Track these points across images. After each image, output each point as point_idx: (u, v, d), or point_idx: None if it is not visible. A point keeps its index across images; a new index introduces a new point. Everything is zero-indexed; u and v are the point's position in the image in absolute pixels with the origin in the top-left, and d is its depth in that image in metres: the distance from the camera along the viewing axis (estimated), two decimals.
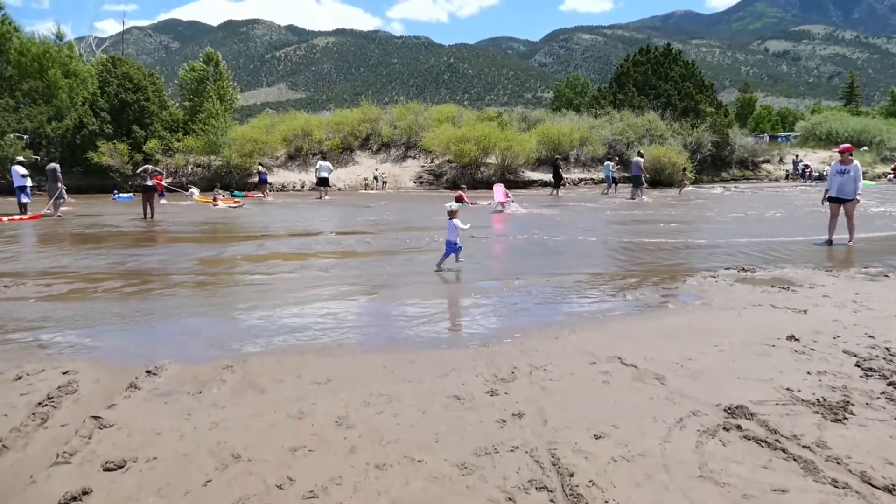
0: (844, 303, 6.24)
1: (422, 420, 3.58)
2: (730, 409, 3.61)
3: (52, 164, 19.41)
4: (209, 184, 28.68)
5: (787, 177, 39.87)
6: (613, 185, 27.47)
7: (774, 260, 9.20)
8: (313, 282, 7.91)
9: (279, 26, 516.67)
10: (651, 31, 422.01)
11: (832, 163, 11.42)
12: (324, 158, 28.86)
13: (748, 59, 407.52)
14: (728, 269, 8.36)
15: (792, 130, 67.22)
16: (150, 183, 17.35)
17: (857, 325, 5.38)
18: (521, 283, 7.67)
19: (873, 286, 7.11)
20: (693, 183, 33.15)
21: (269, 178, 29.71)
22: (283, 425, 3.55)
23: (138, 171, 18.12)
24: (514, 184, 30.59)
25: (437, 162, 34.56)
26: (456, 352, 4.88)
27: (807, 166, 38.56)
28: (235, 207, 21.83)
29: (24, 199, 18.27)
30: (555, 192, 27.04)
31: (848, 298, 6.42)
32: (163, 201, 23.15)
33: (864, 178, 10.87)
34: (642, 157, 25.14)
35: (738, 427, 3.37)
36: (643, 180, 24.13)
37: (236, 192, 28.19)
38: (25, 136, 31.64)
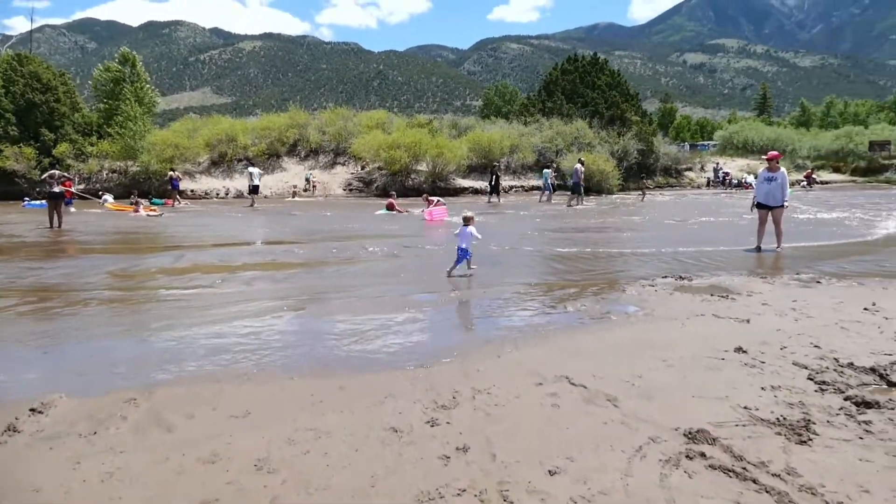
0: (784, 311, 6.17)
1: (355, 459, 3.15)
2: (690, 433, 3.34)
3: None
4: (126, 190, 27.02)
5: (708, 184, 41.28)
6: (550, 192, 27.41)
7: (708, 267, 9.19)
8: (236, 297, 7.30)
9: (203, 28, 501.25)
10: (576, 42, 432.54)
11: (760, 169, 11.66)
12: (252, 165, 27.82)
13: (668, 71, 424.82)
14: (665, 277, 8.26)
15: (711, 139, 69.95)
16: (56, 189, 16.07)
17: (800, 335, 5.28)
18: (459, 295, 7.33)
19: (808, 292, 7.13)
20: (621, 190, 33.83)
21: (192, 185, 28.47)
22: (193, 473, 3.03)
23: (43, 176, 16.77)
24: (444, 191, 30.34)
25: (367, 169, 33.93)
26: (391, 374, 4.46)
27: (727, 174, 40.05)
28: (154, 216, 20.67)
29: None
30: (492, 199, 26.76)
31: (787, 306, 6.36)
32: (71, 209, 21.60)
33: None
34: (583, 164, 25.29)
35: (702, 454, 3.10)
36: (581, 188, 24.28)
37: (155, 200, 26.73)
38: None
